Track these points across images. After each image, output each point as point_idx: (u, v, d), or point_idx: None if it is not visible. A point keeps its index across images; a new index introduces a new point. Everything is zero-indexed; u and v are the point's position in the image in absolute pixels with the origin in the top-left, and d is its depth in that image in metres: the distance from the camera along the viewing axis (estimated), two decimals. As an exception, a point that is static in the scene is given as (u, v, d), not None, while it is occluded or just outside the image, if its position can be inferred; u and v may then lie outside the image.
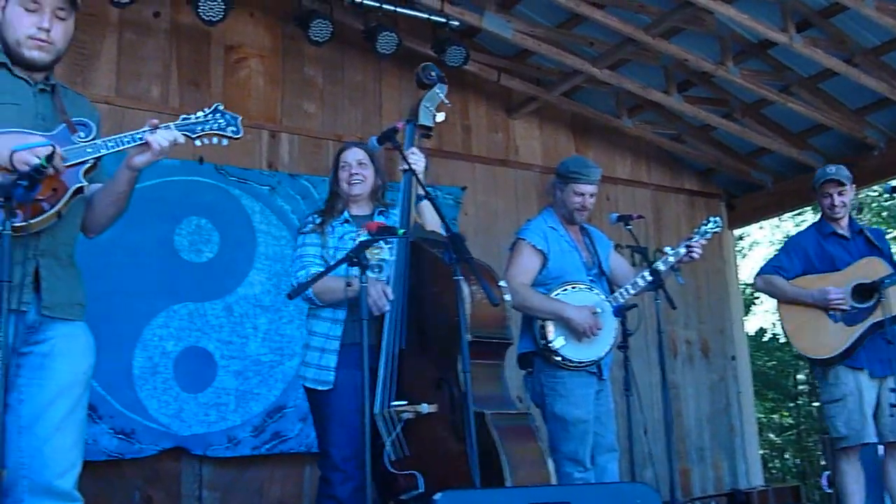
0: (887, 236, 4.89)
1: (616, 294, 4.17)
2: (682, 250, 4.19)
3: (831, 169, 4.69)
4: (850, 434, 4.38)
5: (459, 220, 6.52)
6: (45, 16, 2.58)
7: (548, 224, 4.35)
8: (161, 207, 5.35)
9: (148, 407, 5.14)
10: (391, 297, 3.29)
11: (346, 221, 3.69)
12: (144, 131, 2.56)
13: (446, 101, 3.77)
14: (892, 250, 4.69)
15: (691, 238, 4.22)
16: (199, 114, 2.70)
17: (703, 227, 4.31)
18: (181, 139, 2.62)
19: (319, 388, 3.48)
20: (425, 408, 3.10)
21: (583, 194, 4.30)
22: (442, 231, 3.43)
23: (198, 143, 2.69)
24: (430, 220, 3.59)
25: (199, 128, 2.68)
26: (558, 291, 4.13)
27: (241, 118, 2.76)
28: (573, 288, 4.15)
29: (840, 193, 4.62)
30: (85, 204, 2.72)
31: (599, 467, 4.11)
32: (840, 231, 4.65)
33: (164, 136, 2.56)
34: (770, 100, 6.54)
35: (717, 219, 4.39)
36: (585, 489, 2.75)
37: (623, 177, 7.55)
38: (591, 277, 4.25)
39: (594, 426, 4.08)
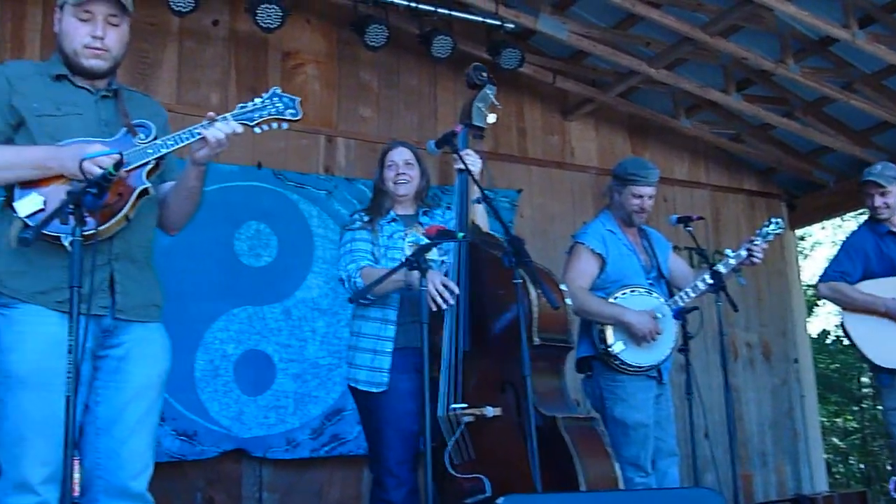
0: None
1: (676, 297, 4.11)
2: (743, 253, 4.11)
3: (876, 168, 4.60)
4: None
5: (515, 222, 6.50)
6: (98, 24, 2.62)
7: (605, 227, 4.31)
8: (221, 212, 5.43)
9: (209, 409, 5.22)
10: (455, 290, 3.26)
11: (394, 220, 3.68)
12: (202, 126, 2.58)
13: (497, 103, 3.76)
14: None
15: (752, 241, 4.13)
16: (257, 100, 2.67)
17: (765, 229, 4.22)
18: (239, 129, 2.61)
19: (373, 390, 3.44)
20: (490, 411, 3.07)
21: (641, 196, 4.25)
22: (499, 233, 3.43)
23: (257, 130, 2.66)
24: (484, 222, 3.59)
25: (258, 114, 2.65)
26: (617, 295, 4.08)
27: (299, 99, 2.71)
28: (632, 291, 4.10)
29: (882, 195, 4.51)
30: (158, 204, 2.77)
31: (660, 472, 4.06)
32: (895, 229, 4.54)
33: (220, 128, 2.57)
34: (832, 97, 6.41)
35: (779, 220, 4.29)
36: (651, 494, 2.73)
37: (681, 178, 7.46)
38: (650, 280, 4.20)
39: (655, 430, 4.03)
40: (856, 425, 16.69)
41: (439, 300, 3.22)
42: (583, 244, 4.24)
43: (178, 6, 5.03)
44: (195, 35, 5.75)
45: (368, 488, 3.70)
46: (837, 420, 16.87)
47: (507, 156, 6.68)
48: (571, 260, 4.25)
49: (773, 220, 4.28)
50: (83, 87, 2.67)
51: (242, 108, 2.66)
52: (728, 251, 4.20)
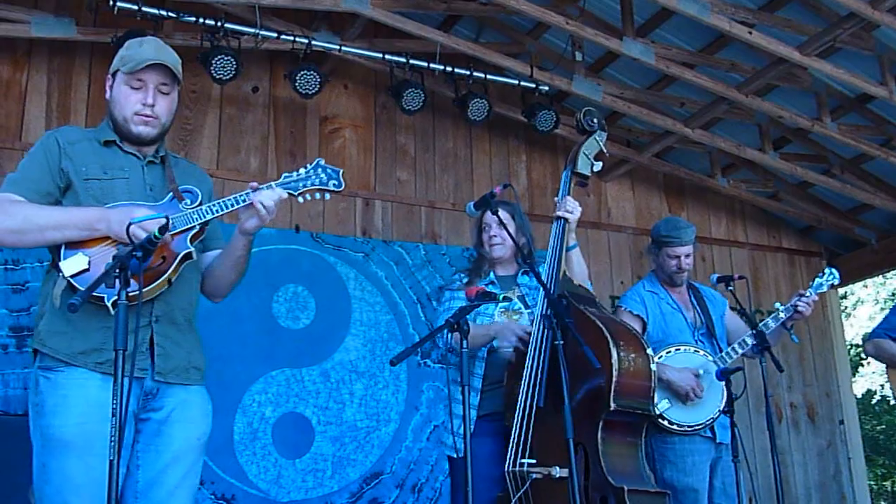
0: None
1: (722, 354, 4.05)
2: (793, 306, 4.04)
3: None
4: None
5: (553, 283, 6.48)
6: (150, 92, 2.68)
7: (646, 289, 4.32)
8: (259, 275, 5.47)
9: (248, 472, 5.20)
10: (529, 329, 3.26)
11: (492, 283, 3.67)
12: (247, 193, 2.62)
13: (605, 150, 3.73)
14: None
15: (803, 293, 4.06)
16: (301, 170, 2.72)
17: (818, 280, 4.15)
18: (284, 195, 2.65)
19: (453, 455, 3.52)
20: (557, 471, 3.01)
21: (678, 256, 4.24)
22: (588, 283, 3.45)
23: (300, 199, 2.71)
24: (579, 271, 3.57)
25: (301, 184, 2.69)
26: (662, 354, 4.05)
27: (342, 171, 2.75)
28: (677, 350, 4.07)
29: None
30: (203, 271, 2.81)
31: None
32: None
33: (267, 196, 2.60)
34: (871, 154, 6.37)
35: (833, 270, 4.22)
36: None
37: (718, 237, 7.41)
38: (697, 338, 4.16)
39: (719, 497, 3.91)
40: (905, 489, 16.23)
41: (515, 341, 3.28)
42: (622, 307, 4.29)
43: (219, 74, 5.15)
44: (235, 101, 5.87)
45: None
46: (886, 483, 16.41)
47: (543, 216, 6.67)
48: None
49: (827, 269, 4.20)
50: (130, 153, 2.72)
51: (287, 177, 2.70)
52: (778, 304, 4.14)
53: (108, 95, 2.76)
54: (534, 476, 3.07)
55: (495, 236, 3.68)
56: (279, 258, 5.62)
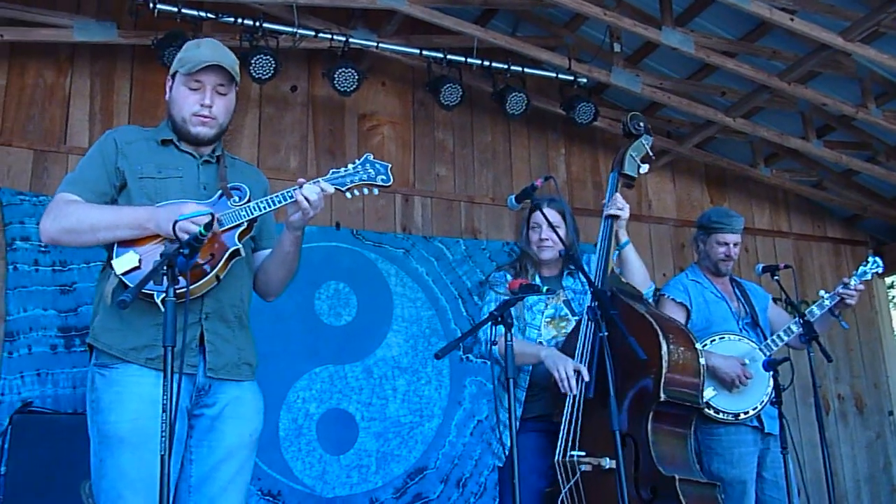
0: None
1: (768, 341, 4.01)
2: (838, 293, 3.99)
3: None
4: None
5: (594, 276, 6.45)
6: (207, 93, 2.72)
7: (689, 278, 4.31)
8: (301, 273, 5.37)
9: (293, 468, 5.24)
10: (586, 378, 3.18)
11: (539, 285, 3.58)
12: (294, 189, 2.63)
13: (651, 154, 3.74)
14: None
15: (847, 280, 4.01)
16: (350, 166, 2.73)
17: (862, 268, 4.10)
18: (330, 189, 2.66)
19: (498, 464, 3.52)
20: (607, 462, 3.00)
21: (727, 244, 4.22)
22: (638, 280, 3.43)
23: (348, 195, 2.71)
24: (638, 266, 3.55)
25: (349, 179, 2.71)
26: (706, 342, 4.02)
27: (390, 165, 2.76)
28: (721, 338, 4.05)
29: None
30: (255, 270, 2.84)
31: None
32: None
33: (310, 190, 2.61)
34: (917, 141, 6.26)
35: (877, 259, 4.17)
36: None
37: (762, 227, 7.33)
38: (742, 327, 4.13)
39: (770, 489, 3.87)
40: (957, 481, 15.92)
41: (565, 385, 3.18)
42: (665, 295, 4.26)
43: (258, 73, 5.18)
44: (274, 101, 5.91)
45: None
46: (937, 476, 16.11)
47: (584, 210, 6.66)
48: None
49: (871, 258, 4.15)
50: (187, 152, 2.76)
51: (335, 173, 2.72)
52: (822, 292, 4.09)
53: (167, 96, 2.80)
54: (583, 468, 3.06)
55: (546, 239, 3.58)
56: (320, 255, 5.66)
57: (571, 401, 3.18)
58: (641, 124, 3.72)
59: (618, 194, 3.58)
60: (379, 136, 6.21)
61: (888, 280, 8.87)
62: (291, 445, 5.28)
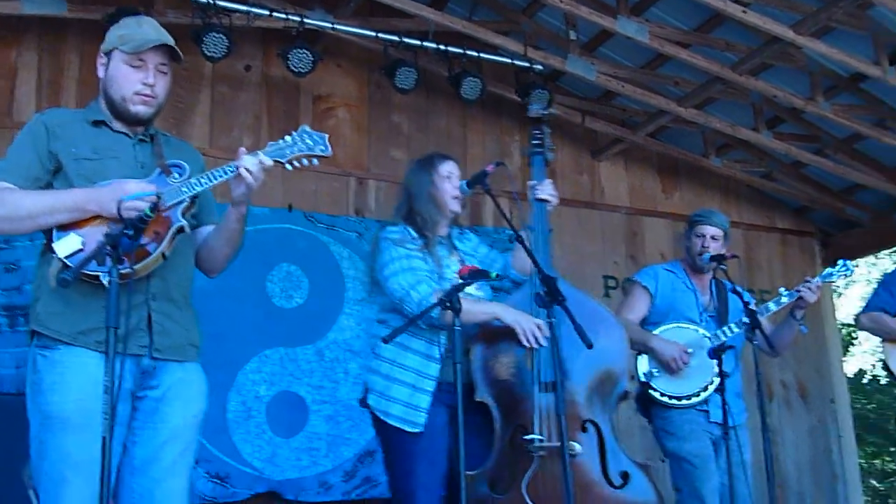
0: None
1: (717, 332, 4.08)
2: (796, 293, 4.05)
3: None
4: None
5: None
6: (150, 72, 2.67)
7: (665, 267, 4.41)
8: (252, 254, 5.45)
9: (242, 451, 5.22)
10: (546, 333, 3.11)
11: (441, 244, 3.47)
12: (235, 164, 2.60)
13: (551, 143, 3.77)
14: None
15: (809, 280, 4.06)
16: (287, 138, 2.70)
17: (829, 269, 4.16)
18: (269, 162, 2.62)
19: (408, 429, 3.23)
20: (577, 447, 3.02)
21: (703, 235, 4.28)
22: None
23: (289, 167, 2.68)
24: (524, 259, 3.50)
25: (288, 151, 2.67)
26: (663, 328, 4.11)
27: (327, 136, 2.74)
28: (675, 326, 4.12)
29: None
30: (198, 246, 2.81)
31: None
32: None
33: (251, 162, 2.58)
34: (864, 134, 6.37)
35: (849, 263, 4.19)
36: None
37: (712, 216, 7.42)
38: (703, 319, 4.19)
39: (722, 477, 3.91)
40: (894, 467, 16.35)
41: (530, 339, 3.14)
42: (634, 280, 4.39)
43: (211, 52, 5.11)
44: (228, 80, 5.84)
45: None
46: (875, 462, 16.54)
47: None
48: (625, 296, 4.38)
49: (842, 262, 4.19)
50: (121, 132, 2.71)
51: (273, 145, 2.68)
52: (782, 290, 4.16)
53: (101, 74, 2.74)
54: (542, 453, 3.08)
55: (458, 188, 3.45)
56: (273, 237, 5.62)
57: (535, 387, 3.18)
58: (545, 110, 3.73)
59: (548, 179, 3.57)
60: (334, 118, 6.18)
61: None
62: (240, 428, 5.25)
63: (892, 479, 16.46)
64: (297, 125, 6.01)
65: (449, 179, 3.47)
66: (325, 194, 5.95)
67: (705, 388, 4.04)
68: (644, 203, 7.20)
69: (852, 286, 15.86)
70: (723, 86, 6.05)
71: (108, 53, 2.73)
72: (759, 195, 7.65)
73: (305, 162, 2.70)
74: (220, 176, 2.61)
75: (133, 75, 2.67)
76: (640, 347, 4.13)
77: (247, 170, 2.57)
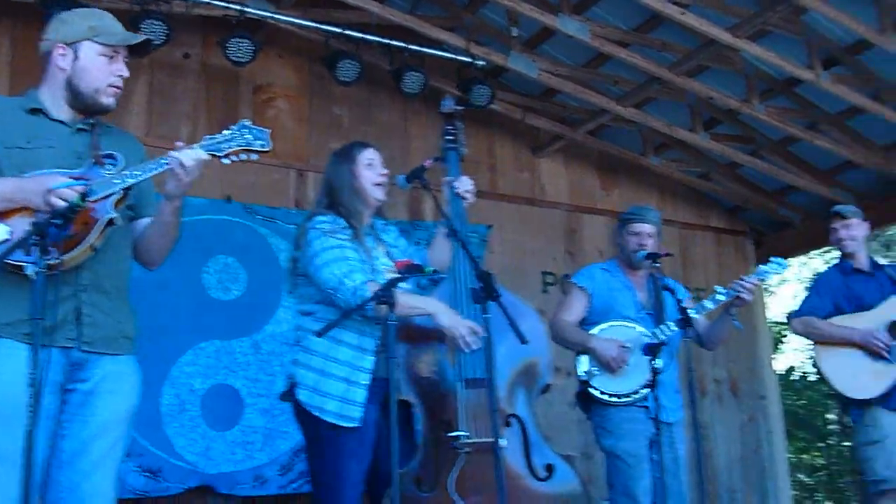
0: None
1: (656, 330, 4.13)
2: (733, 291, 4.10)
3: (838, 206, 4.72)
4: (891, 476, 4.29)
5: (486, 258, 6.52)
6: (122, 63, 2.67)
7: (601, 267, 4.44)
8: (189, 245, 5.38)
9: (175, 444, 5.15)
10: (481, 334, 3.07)
11: (367, 234, 3.42)
12: (168, 156, 2.55)
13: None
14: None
15: (743, 279, 4.11)
16: (225, 132, 2.65)
17: (763, 268, 4.20)
18: (204, 156, 2.58)
19: (344, 424, 3.14)
20: (503, 442, 3.01)
21: (639, 233, 4.30)
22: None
23: (225, 161, 2.64)
24: (442, 251, 3.48)
25: (226, 145, 2.62)
26: (601, 327, 4.15)
27: (269, 131, 2.70)
28: (613, 325, 4.16)
29: (845, 227, 4.60)
30: (136, 239, 2.77)
31: None
32: (861, 267, 4.62)
33: (186, 156, 2.54)
34: (797, 137, 6.52)
35: (782, 260, 4.23)
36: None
37: (649, 214, 7.52)
38: (641, 317, 4.23)
39: (656, 471, 3.95)
40: (822, 462, 16.78)
41: (465, 342, 3.10)
42: (572, 282, 4.40)
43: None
44: (166, 68, 5.75)
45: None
46: (804, 457, 16.94)
47: (478, 191, 6.70)
48: (564, 297, 4.40)
49: (773, 259, 4.26)
50: (58, 121, 2.66)
51: (211, 139, 2.63)
52: (718, 288, 4.19)
53: (64, 65, 2.65)
54: (467, 450, 3.08)
55: (385, 175, 3.42)
56: (210, 228, 5.55)
57: (456, 381, 3.19)
58: (458, 106, 3.73)
59: (465, 176, 3.58)
60: (274, 108, 6.12)
61: (765, 269, 9.20)
62: (174, 421, 5.18)
63: (820, 473, 16.89)
64: (237, 115, 6.03)
65: (370, 167, 3.41)
66: (265, 186, 5.89)
67: (645, 386, 4.08)
68: (583, 200, 7.27)
69: (784, 285, 16.21)
70: (661, 86, 6.14)
71: (71, 44, 2.66)
72: (696, 194, 7.78)
73: (244, 157, 2.65)
74: (154, 169, 2.55)
75: (106, 67, 2.65)
76: (579, 348, 4.16)
77: (181, 164, 2.53)
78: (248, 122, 2.69)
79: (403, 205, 6.31)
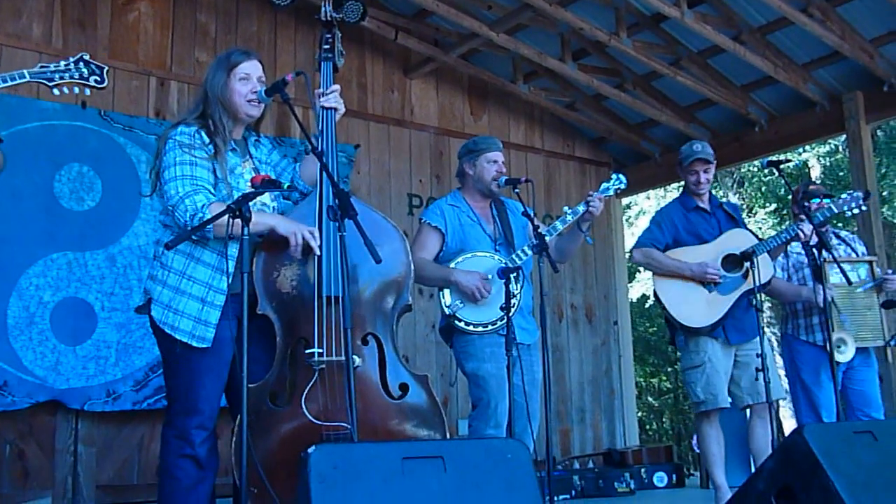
0: (765, 210, 5.06)
1: (512, 255, 4.22)
2: (581, 208, 4.22)
3: (698, 147, 4.82)
4: (708, 399, 4.56)
5: (352, 178, 6.49)
6: None
7: (448, 202, 4.42)
8: (41, 152, 5.18)
9: (22, 358, 4.98)
10: (318, 238, 3.11)
11: (233, 150, 3.28)
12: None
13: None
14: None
15: (591, 194, 4.25)
16: (61, 62, 2.64)
17: (605, 184, 4.36)
18: (27, 78, 2.54)
19: (196, 344, 3.10)
20: (357, 361, 3.04)
21: (496, 161, 4.36)
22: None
23: (55, 91, 2.61)
24: (311, 168, 3.41)
25: (58, 76, 2.59)
26: (458, 260, 4.19)
27: (107, 68, 2.68)
28: (471, 256, 4.21)
29: (706, 171, 4.78)
30: None
31: (517, 435, 4.13)
32: (702, 205, 4.83)
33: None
34: (660, 72, 6.70)
35: (620, 176, 4.41)
36: (459, 444, 2.79)
37: (517, 142, 7.64)
38: (496, 248, 4.30)
39: (518, 394, 4.06)
40: (669, 386, 17.70)
41: (299, 246, 3.08)
42: (423, 220, 4.39)
43: (-3, -72, 4.70)
44: (17, -39, 5.39)
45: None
46: (653, 380, 17.83)
47: (347, 111, 6.62)
48: (416, 235, 4.40)
49: (615, 175, 4.42)
50: None
51: (44, 66, 2.60)
52: (566, 208, 4.31)
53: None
54: (322, 367, 3.10)
55: (256, 91, 3.24)
56: (63, 135, 5.30)
57: (313, 299, 3.17)
58: (335, 13, 3.67)
59: (336, 85, 3.51)
60: (135, 11, 5.84)
61: (625, 201, 9.53)
62: (21, 334, 5.01)
63: (666, 396, 17.83)
64: (95, 16, 5.75)
65: (246, 81, 3.27)
66: (123, 93, 5.65)
67: (502, 309, 4.18)
68: (452, 124, 7.30)
69: (642, 216, 16.77)
70: (533, 13, 6.17)
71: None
72: (562, 124, 7.93)
73: (76, 90, 2.64)
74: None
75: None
76: (441, 283, 4.20)
77: None
78: (87, 57, 2.67)
79: (271, 119, 6.18)
